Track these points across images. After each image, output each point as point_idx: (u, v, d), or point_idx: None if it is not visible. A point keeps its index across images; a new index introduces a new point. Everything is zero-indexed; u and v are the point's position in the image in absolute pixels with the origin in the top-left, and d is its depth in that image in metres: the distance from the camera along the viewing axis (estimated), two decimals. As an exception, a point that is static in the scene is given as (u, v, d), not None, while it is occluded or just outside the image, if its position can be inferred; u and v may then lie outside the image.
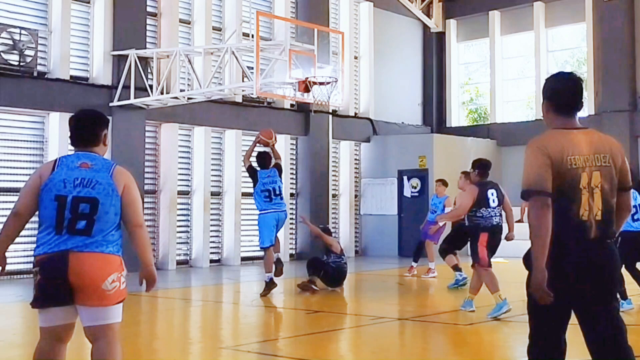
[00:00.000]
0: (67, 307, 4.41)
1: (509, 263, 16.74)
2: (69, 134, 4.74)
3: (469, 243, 9.97)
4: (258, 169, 11.62)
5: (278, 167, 11.68)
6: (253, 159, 11.68)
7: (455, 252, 12.48)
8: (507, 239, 9.75)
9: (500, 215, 9.47)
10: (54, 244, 4.39)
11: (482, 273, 9.23)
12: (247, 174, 12.00)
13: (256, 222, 11.64)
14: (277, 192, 11.42)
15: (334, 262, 12.14)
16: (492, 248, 9.32)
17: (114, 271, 4.40)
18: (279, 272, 11.45)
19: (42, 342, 4.46)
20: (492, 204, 9.30)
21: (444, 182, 14.20)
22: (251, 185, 11.77)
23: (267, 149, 11.97)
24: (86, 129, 4.67)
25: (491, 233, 9.23)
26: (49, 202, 4.44)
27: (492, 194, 9.37)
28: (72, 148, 4.74)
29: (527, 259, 3.92)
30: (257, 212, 11.53)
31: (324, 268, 12.01)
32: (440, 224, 12.87)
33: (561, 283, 3.83)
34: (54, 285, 4.35)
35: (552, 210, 3.77)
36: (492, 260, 9.32)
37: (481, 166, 9.51)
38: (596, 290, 3.86)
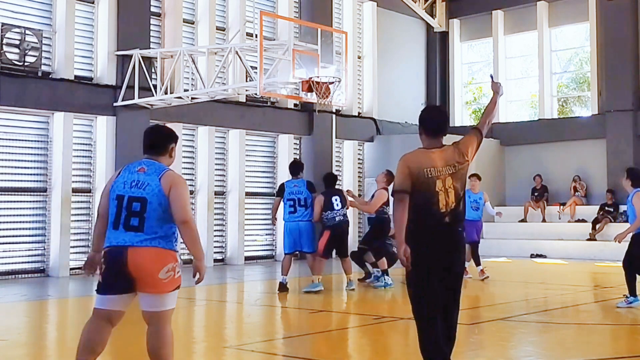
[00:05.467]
0: (124, 295, 5.07)
1: (512, 263, 16.72)
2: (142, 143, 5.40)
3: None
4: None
5: (309, 183, 12.02)
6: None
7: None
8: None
9: (344, 215, 11.92)
10: (114, 239, 5.05)
11: (316, 259, 11.73)
12: (251, 174, 12.21)
13: (260, 222, 11.89)
14: (302, 203, 11.69)
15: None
16: (336, 240, 11.80)
17: (169, 262, 5.05)
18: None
19: (93, 320, 5.11)
20: (336, 207, 11.79)
21: (478, 177, 13.88)
22: (254, 184, 12.02)
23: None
24: (154, 140, 5.35)
25: (332, 229, 11.72)
26: (111, 201, 5.14)
27: (336, 200, 11.85)
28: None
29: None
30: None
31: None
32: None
33: (430, 255, 5.34)
34: (115, 275, 5.00)
35: (419, 206, 5.34)
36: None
37: (326, 180, 12.30)
38: (451, 258, 5.42)
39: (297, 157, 19.31)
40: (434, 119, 5.61)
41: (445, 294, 5.45)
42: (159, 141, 5.33)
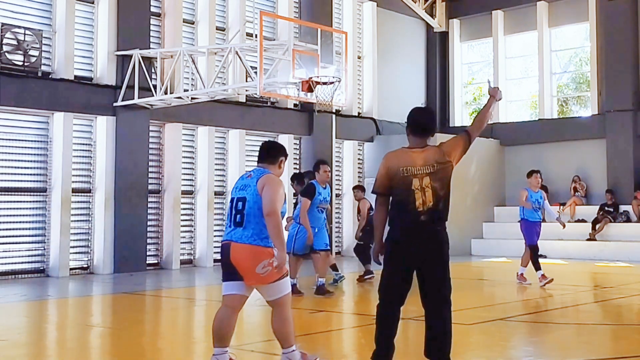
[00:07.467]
0: (237, 282, 5.85)
1: (512, 263, 16.71)
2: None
3: None
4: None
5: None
6: None
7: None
8: None
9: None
10: (225, 234, 5.91)
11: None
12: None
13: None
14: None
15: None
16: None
17: (264, 258, 5.70)
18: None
19: (221, 308, 6.01)
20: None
21: (540, 173, 13.04)
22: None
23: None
24: (266, 151, 6.16)
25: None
26: (229, 203, 6.02)
27: None
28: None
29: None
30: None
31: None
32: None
33: (403, 252, 5.63)
34: (224, 265, 5.89)
35: (396, 203, 5.65)
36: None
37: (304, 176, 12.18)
38: (429, 256, 5.62)
39: (298, 158, 19.33)
40: (419, 119, 5.91)
41: (429, 290, 5.66)
42: (270, 152, 6.13)
